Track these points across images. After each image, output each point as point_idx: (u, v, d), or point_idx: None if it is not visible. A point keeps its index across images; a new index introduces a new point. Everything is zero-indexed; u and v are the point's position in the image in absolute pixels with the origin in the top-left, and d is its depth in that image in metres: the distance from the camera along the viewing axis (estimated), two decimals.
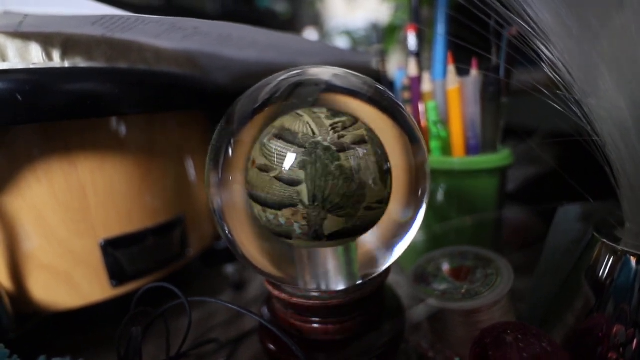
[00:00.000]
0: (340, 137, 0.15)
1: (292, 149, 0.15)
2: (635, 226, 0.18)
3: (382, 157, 0.16)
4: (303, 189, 0.15)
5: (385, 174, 0.16)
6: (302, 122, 0.16)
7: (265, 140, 0.16)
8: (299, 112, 0.16)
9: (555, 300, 0.20)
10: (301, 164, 0.15)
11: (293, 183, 0.15)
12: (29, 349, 0.23)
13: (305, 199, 0.15)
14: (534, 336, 0.16)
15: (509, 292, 0.20)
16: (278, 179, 0.15)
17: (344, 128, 0.16)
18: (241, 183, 0.17)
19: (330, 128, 0.15)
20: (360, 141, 0.16)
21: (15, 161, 0.21)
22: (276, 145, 0.16)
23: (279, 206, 0.15)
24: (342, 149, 0.15)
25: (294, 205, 0.15)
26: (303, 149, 0.15)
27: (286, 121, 0.16)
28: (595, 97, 0.16)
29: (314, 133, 0.15)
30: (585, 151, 0.18)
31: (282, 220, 0.16)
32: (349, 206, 0.15)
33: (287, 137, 0.16)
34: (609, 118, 0.17)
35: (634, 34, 0.15)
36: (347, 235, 0.16)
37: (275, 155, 0.15)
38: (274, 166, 0.15)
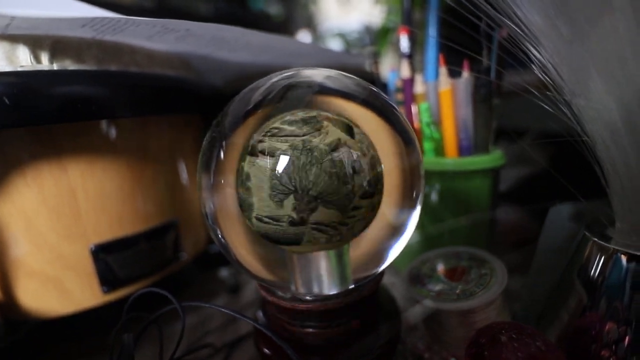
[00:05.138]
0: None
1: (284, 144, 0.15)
2: (625, 225, 0.18)
3: (369, 157, 0.16)
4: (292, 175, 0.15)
5: (373, 173, 0.16)
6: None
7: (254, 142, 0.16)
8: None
9: (549, 299, 0.21)
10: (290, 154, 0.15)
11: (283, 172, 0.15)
12: (20, 358, 0.22)
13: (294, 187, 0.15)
14: (528, 335, 0.16)
15: (503, 291, 0.21)
16: (272, 170, 0.15)
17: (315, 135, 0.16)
18: (233, 186, 0.17)
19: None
20: (336, 146, 0.16)
21: (4, 165, 0.21)
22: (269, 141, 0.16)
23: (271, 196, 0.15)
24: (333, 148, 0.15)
25: (285, 194, 0.15)
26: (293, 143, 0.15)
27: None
28: (585, 98, 0.17)
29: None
30: (576, 151, 0.18)
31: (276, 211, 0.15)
32: (338, 197, 0.15)
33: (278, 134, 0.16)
34: (598, 118, 0.17)
35: (622, 35, 0.15)
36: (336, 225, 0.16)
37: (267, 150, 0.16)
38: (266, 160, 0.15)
